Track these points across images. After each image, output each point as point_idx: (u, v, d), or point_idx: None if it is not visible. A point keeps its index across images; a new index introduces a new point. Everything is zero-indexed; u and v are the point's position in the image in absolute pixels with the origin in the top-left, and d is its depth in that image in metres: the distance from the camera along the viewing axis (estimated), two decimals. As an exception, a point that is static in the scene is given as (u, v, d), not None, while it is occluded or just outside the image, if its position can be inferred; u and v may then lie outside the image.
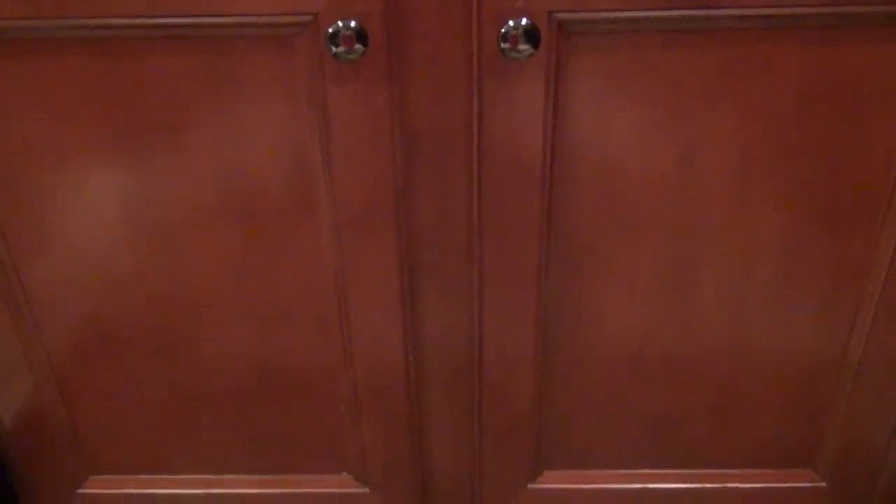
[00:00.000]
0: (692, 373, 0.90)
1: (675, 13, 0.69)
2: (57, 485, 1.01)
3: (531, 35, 0.69)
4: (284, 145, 0.76)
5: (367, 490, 1.00)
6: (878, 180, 0.77)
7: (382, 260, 0.82)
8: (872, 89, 0.72)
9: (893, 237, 0.80)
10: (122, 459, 0.99)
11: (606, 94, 0.74)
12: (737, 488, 0.99)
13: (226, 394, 0.93)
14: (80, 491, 1.01)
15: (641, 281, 0.84)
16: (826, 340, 0.88)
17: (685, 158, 0.77)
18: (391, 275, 0.83)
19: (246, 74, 0.73)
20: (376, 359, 0.89)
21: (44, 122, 0.75)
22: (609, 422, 0.95)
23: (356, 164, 0.77)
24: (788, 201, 0.79)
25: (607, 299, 0.86)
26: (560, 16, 0.69)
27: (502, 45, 0.69)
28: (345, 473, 1.00)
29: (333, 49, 0.69)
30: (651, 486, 0.99)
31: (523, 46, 0.69)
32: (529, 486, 1.00)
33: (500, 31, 0.69)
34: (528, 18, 0.69)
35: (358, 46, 0.69)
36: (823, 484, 0.98)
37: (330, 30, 0.69)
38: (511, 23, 0.69)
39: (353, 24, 0.68)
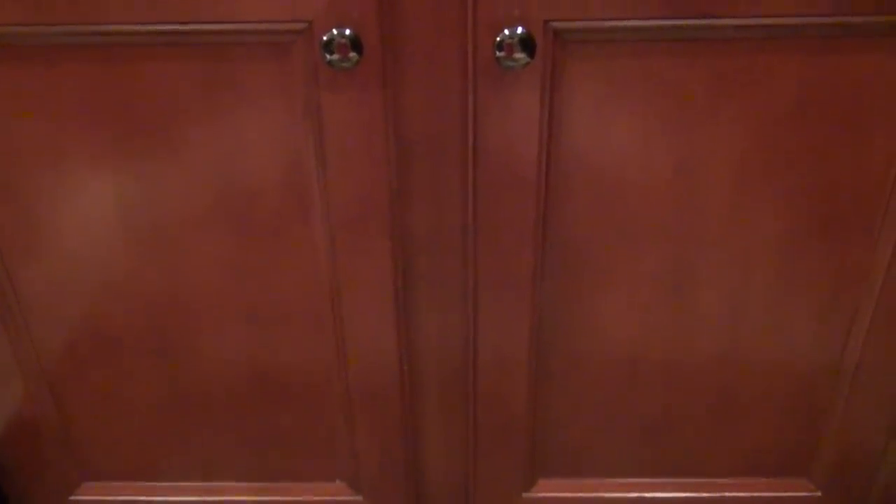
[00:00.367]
0: (688, 379, 0.90)
1: (672, 22, 0.69)
2: (49, 491, 1.01)
3: (527, 44, 0.68)
4: (280, 150, 0.76)
5: (360, 498, 1.00)
6: (875, 188, 0.77)
7: (377, 264, 0.82)
8: (871, 99, 0.72)
9: (890, 244, 0.80)
10: (115, 465, 0.99)
11: (603, 102, 0.73)
12: (733, 497, 0.99)
13: (220, 398, 0.93)
14: (72, 497, 1.01)
15: (639, 287, 0.84)
16: (823, 347, 0.88)
17: (683, 166, 0.76)
18: (386, 279, 0.83)
19: (243, 81, 0.73)
20: (370, 362, 0.89)
21: (41, 126, 0.75)
22: (605, 429, 0.95)
23: (351, 171, 0.77)
24: (786, 209, 0.79)
25: (604, 305, 0.85)
26: (556, 24, 0.69)
27: (498, 53, 0.69)
28: (338, 481, 1.00)
29: (328, 57, 0.69)
30: (647, 494, 0.99)
31: (519, 55, 0.69)
32: (524, 494, 1.00)
33: (495, 40, 0.69)
34: (523, 27, 0.68)
35: (352, 54, 0.69)
36: (819, 493, 0.99)
37: (324, 37, 0.69)
38: (507, 31, 0.68)
39: (347, 32, 0.68)
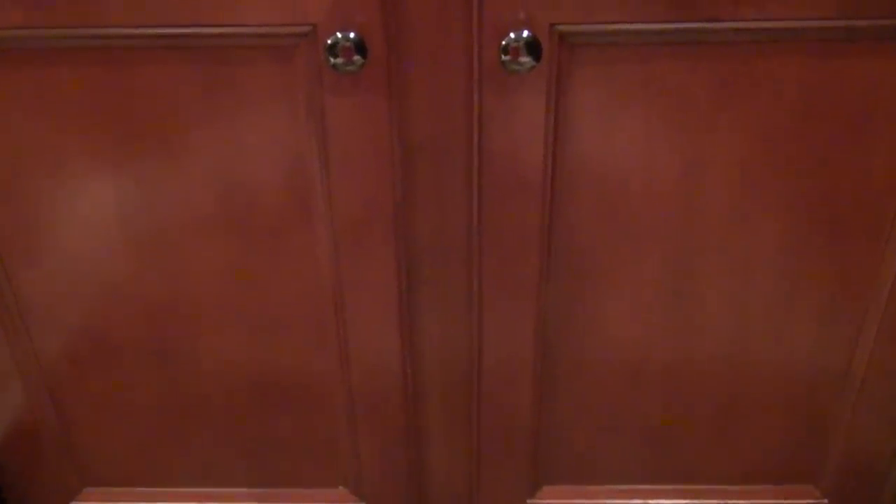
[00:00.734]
0: (693, 385, 0.90)
1: (677, 26, 0.69)
2: (49, 497, 1.00)
3: (532, 47, 0.68)
4: (283, 155, 0.76)
5: (363, 504, 1.00)
6: (880, 193, 0.77)
7: (381, 268, 0.82)
8: (876, 103, 0.72)
9: (897, 250, 0.80)
10: (115, 471, 0.99)
11: (608, 106, 0.73)
12: (738, 504, 0.98)
13: (222, 404, 0.93)
14: (72, 503, 1.01)
15: (643, 293, 0.84)
16: (829, 353, 0.87)
17: (687, 170, 0.76)
18: (389, 283, 0.83)
19: (245, 84, 0.73)
20: (373, 367, 0.89)
21: (41, 130, 0.75)
22: (609, 434, 0.94)
23: (355, 175, 0.76)
24: (791, 213, 0.78)
25: (608, 311, 0.85)
26: (562, 28, 0.69)
27: (503, 57, 0.69)
28: (341, 487, 1.00)
29: (332, 60, 0.69)
30: (651, 501, 0.99)
31: (524, 59, 0.69)
32: (528, 501, 0.99)
33: (500, 44, 0.69)
34: (529, 31, 0.68)
35: (357, 58, 0.69)
36: (825, 501, 0.98)
37: (329, 41, 0.68)
38: (512, 35, 0.68)
39: (352, 35, 0.68)
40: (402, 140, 0.75)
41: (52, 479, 0.99)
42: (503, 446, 0.95)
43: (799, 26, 0.68)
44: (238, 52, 0.71)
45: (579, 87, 0.72)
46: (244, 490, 1.00)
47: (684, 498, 0.98)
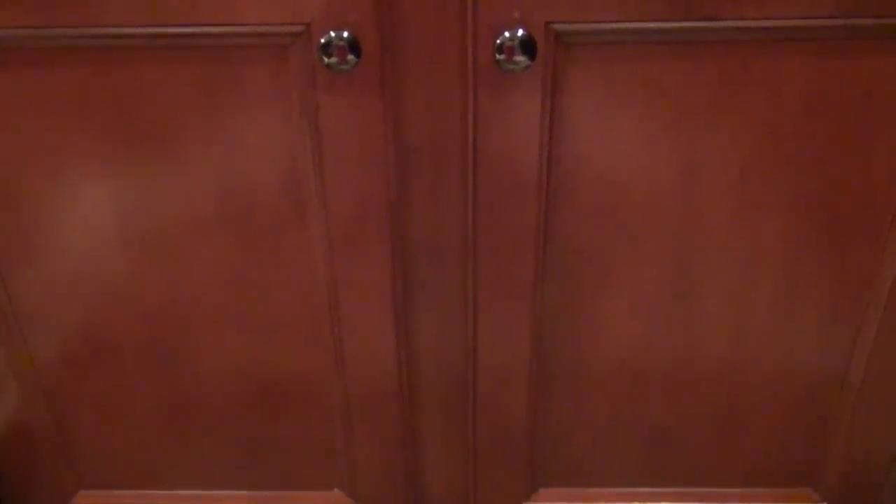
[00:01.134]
0: (692, 387, 0.90)
1: (675, 24, 0.68)
2: (45, 500, 1.00)
3: (527, 46, 0.68)
4: (279, 155, 0.76)
5: (359, 507, 0.99)
6: (882, 194, 0.77)
7: (376, 271, 0.82)
8: (877, 102, 0.72)
9: (898, 251, 0.80)
10: (111, 474, 0.99)
11: (605, 106, 0.73)
12: (736, 508, 0.98)
13: (217, 406, 0.92)
14: (68, 506, 1.01)
15: (641, 293, 0.83)
16: (829, 356, 0.87)
17: (686, 171, 0.76)
18: (384, 286, 0.82)
19: (241, 84, 0.72)
20: (369, 371, 0.89)
21: (38, 130, 0.75)
22: (607, 437, 0.94)
23: (349, 176, 0.76)
24: (791, 214, 0.78)
25: (606, 312, 0.85)
26: (557, 27, 0.68)
27: (498, 56, 0.69)
28: (336, 490, 1.00)
29: (326, 60, 0.69)
30: (649, 504, 0.98)
31: (519, 58, 0.68)
32: (525, 504, 0.99)
33: (495, 43, 0.68)
34: (524, 29, 0.68)
35: (351, 57, 0.68)
36: (824, 504, 0.98)
37: (322, 40, 0.68)
38: (507, 34, 0.68)
39: (345, 34, 0.68)
40: (396, 140, 0.75)
41: (48, 481, 0.99)
42: (500, 448, 0.94)
43: (799, 25, 0.68)
44: (234, 52, 0.71)
45: (575, 87, 0.72)
46: (239, 492, 0.99)
47: (683, 501, 0.98)
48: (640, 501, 0.98)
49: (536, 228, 0.79)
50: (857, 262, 0.81)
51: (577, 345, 0.87)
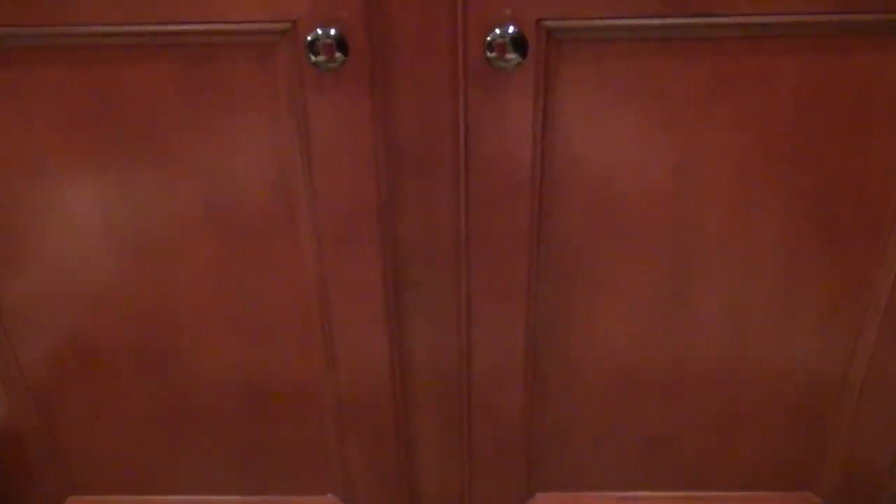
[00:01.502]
0: (689, 390, 0.89)
1: (669, 21, 0.68)
2: (34, 505, 1.00)
3: (519, 43, 0.67)
4: (266, 156, 0.76)
5: (353, 512, 0.99)
6: (880, 192, 0.76)
7: (367, 273, 0.81)
8: (874, 98, 0.71)
9: (897, 250, 0.79)
10: (102, 479, 0.98)
11: (598, 103, 0.72)
12: (735, 511, 0.98)
13: (209, 411, 0.92)
14: (58, 511, 1.00)
15: (637, 294, 0.83)
16: (828, 357, 0.87)
17: (681, 169, 0.76)
18: (376, 288, 0.82)
19: (226, 84, 0.72)
20: (361, 374, 0.88)
21: (19, 132, 0.75)
22: (603, 441, 0.94)
23: (338, 176, 0.76)
24: (788, 213, 0.78)
25: (601, 313, 0.85)
26: (549, 24, 0.68)
27: (488, 54, 0.68)
28: (330, 495, 0.99)
29: (313, 58, 0.68)
30: (647, 509, 0.98)
31: (510, 55, 0.68)
32: (521, 508, 0.98)
33: (486, 40, 0.68)
34: (515, 26, 0.67)
35: (338, 55, 0.68)
36: (824, 507, 0.97)
37: (309, 38, 0.68)
38: (498, 31, 0.67)
39: (332, 31, 0.67)
40: (386, 139, 0.74)
41: (38, 487, 0.98)
42: (495, 452, 0.94)
43: (794, 21, 0.67)
44: (220, 51, 0.70)
45: (568, 85, 0.71)
46: (231, 497, 0.99)
47: (680, 505, 0.98)
48: (637, 505, 0.98)
49: (530, 228, 0.78)
50: (857, 261, 0.80)
51: (572, 346, 0.87)
